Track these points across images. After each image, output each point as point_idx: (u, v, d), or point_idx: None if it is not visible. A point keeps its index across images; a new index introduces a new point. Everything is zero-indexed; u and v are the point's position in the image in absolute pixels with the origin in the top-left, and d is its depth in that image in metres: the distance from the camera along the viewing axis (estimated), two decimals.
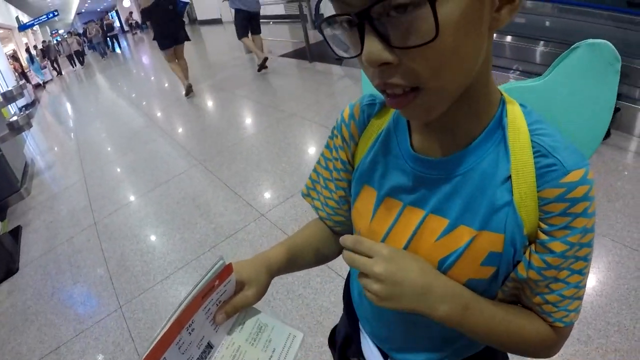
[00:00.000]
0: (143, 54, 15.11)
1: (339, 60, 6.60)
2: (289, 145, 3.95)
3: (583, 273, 0.58)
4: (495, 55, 5.41)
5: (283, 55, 7.97)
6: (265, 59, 6.77)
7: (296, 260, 0.77)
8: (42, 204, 3.97)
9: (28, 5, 22.74)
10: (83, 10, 34.49)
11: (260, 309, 0.70)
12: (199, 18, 18.83)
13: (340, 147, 0.75)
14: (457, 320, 0.58)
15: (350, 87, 5.65)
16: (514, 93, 0.72)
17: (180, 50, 6.47)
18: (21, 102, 9.06)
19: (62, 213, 3.66)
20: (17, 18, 20.45)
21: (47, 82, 15.70)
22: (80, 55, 17.28)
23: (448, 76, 0.47)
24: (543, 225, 0.56)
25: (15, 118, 4.30)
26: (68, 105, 9.38)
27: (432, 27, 0.41)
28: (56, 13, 22.15)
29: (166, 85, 7.40)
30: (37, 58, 16.60)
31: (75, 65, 17.44)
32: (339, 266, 2.21)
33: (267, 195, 3.12)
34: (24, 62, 16.86)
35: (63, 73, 17.06)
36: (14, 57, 16.83)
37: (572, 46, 0.74)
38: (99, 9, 36.29)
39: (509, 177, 0.56)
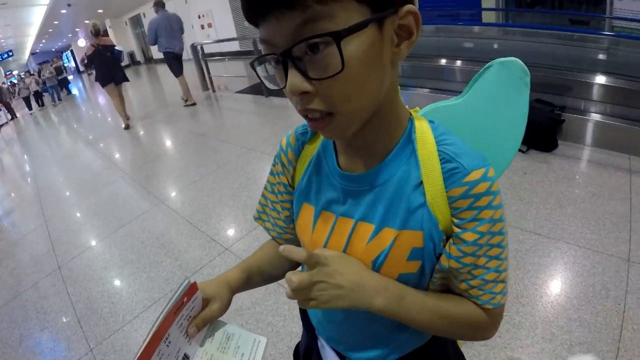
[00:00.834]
0: (99, 94, 14.91)
1: None
2: (248, 179, 4.01)
3: (500, 258, 0.67)
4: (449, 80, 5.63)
5: (239, 92, 8.06)
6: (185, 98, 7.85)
7: (252, 278, 0.85)
8: (3, 251, 3.88)
9: None
10: (38, 51, 33.81)
11: (226, 321, 0.78)
12: (155, 57, 18.75)
13: (281, 172, 0.83)
14: (394, 310, 0.66)
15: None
16: (439, 112, 0.86)
17: (120, 89, 7.41)
18: None
19: (24, 259, 3.58)
20: None
21: (1, 125, 15.22)
22: (39, 97, 16.55)
23: (356, 101, 0.56)
24: (455, 220, 0.65)
25: None
26: (25, 150, 9.19)
27: (339, 62, 0.50)
28: (11, 53, 21.67)
29: (123, 126, 7.36)
30: None
31: (32, 108, 16.62)
32: None
33: (230, 229, 3.16)
34: None
35: (18, 116, 16.20)
36: None
37: (486, 65, 0.85)
38: (53, 49, 35.63)
39: (421, 183, 0.65)
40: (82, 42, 28.98)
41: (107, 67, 7.14)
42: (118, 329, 2.40)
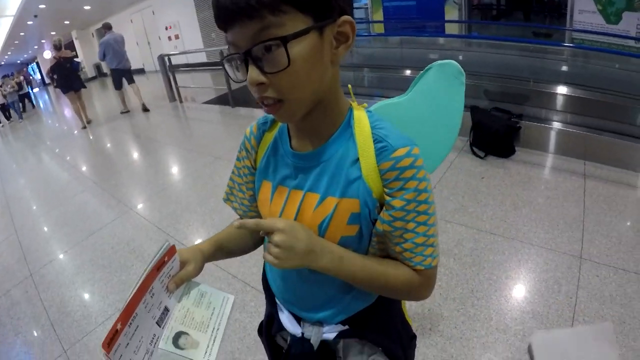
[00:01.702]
0: (64, 107, 14.67)
1: (259, 105, 6.83)
2: (216, 186, 4.09)
3: (427, 224, 0.79)
4: None
5: (207, 102, 8.12)
6: (143, 104, 8.59)
7: (221, 249, 0.97)
8: None
9: None
10: (3, 63, 32.98)
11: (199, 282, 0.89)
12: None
13: (246, 157, 0.97)
14: (336, 268, 0.79)
15: None
16: (386, 108, 1.01)
17: (79, 95, 8.50)
18: None
19: None
20: None
21: None
22: (5, 110, 16.09)
23: (300, 91, 0.71)
24: (386, 190, 0.78)
25: None
26: None
27: (286, 60, 0.65)
28: None
29: (91, 137, 7.35)
30: None
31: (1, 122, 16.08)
32: None
33: (198, 233, 3.25)
34: None
35: None
36: None
37: (427, 67, 1.01)
38: (19, 61, 34.79)
39: (358, 159, 0.79)
40: (47, 54, 28.42)
41: (67, 76, 8.17)
42: (91, 331, 2.46)
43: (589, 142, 3.97)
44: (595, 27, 6.03)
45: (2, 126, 14.76)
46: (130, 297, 0.69)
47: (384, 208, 0.79)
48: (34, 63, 33.72)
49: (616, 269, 2.38)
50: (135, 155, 5.87)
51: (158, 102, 9.01)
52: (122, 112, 9.00)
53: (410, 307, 2.18)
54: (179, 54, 9.77)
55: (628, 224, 2.84)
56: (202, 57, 13.13)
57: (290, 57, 0.65)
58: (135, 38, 16.30)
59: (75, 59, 8.55)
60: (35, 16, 15.82)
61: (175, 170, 4.88)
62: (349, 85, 0.97)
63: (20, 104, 15.81)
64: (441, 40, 7.46)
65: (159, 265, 0.77)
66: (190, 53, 10.83)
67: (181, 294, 0.84)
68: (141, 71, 16.89)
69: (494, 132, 3.95)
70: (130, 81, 8.69)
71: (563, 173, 3.62)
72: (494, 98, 4.61)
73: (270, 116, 0.90)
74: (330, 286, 0.89)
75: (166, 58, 8.43)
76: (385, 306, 0.96)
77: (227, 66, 0.75)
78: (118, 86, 8.79)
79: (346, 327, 0.94)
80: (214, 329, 0.81)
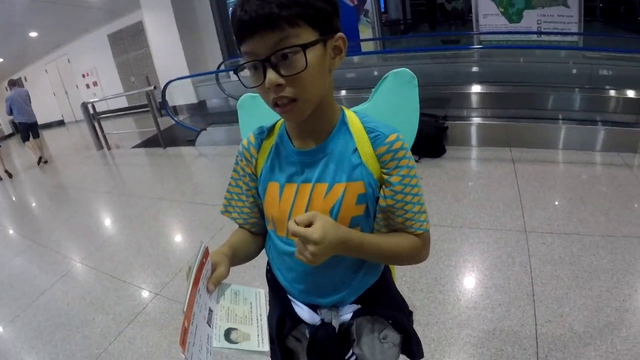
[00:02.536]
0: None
1: (190, 142, 6.86)
2: (164, 227, 4.09)
3: (419, 194, 0.95)
4: None
5: (136, 146, 7.99)
6: (40, 157, 8.83)
7: (236, 255, 1.03)
8: None
9: None
10: None
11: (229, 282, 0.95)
12: (40, 122, 17.66)
13: (246, 165, 1.07)
14: (359, 253, 0.93)
15: (206, 165, 5.96)
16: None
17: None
18: None
19: None
20: None
21: None
22: None
23: (311, 91, 0.84)
24: (383, 170, 0.94)
25: None
26: None
27: (304, 64, 0.78)
28: None
29: (14, 193, 7.06)
30: None
31: None
32: None
33: (156, 275, 3.21)
34: None
35: None
36: None
37: (384, 76, 1.18)
38: None
39: (356, 149, 0.94)
40: None
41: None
42: None
43: (511, 131, 4.36)
44: (500, 27, 6.53)
45: None
46: (188, 297, 0.75)
47: (384, 186, 0.95)
48: None
49: (559, 234, 2.73)
50: (73, 207, 5.65)
51: (85, 152, 8.75)
52: (39, 164, 8.84)
53: None
54: (103, 99, 9.56)
55: (560, 194, 3.25)
56: (122, 102, 12.90)
57: (308, 61, 0.79)
58: (51, 89, 15.70)
59: None
60: None
61: (118, 217, 4.78)
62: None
63: None
64: (355, 58, 7.76)
65: (200, 267, 0.83)
66: (112, 98, 10.62)
67: (216, 295, 0.90)
68: (61, 123, 16.25)
69: (424, 136, 4.22)
70: (36, 135, 8.75)
71: (493, 162, 3.95)
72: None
73: (265, 126, 1.06)
74: (342, 268, 1.02)
75: (89, 105, 8.23)
76: (387, 281, 1.12)
77: (240, 74, 0.88)
78: (26, 139, 8.81)
79: (359, 306, 1.06)
80: (257, 319, 0.88)
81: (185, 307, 0.74)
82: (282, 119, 1.01)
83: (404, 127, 1.15)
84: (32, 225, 5.36)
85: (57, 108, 16.10)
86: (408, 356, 1.20)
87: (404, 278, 2.54)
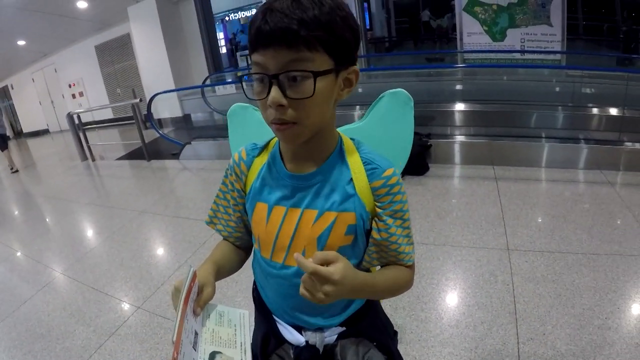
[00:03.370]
0: None
1: (174, 156, 6.83)
2: (146, 240, 4.03)
3: (409, 227, 0.96)
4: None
5: (120, 158, 7.92)
6: (11, 167, 9.00)
7: (221, 269, 1.02)
8: None
9: None
10: None
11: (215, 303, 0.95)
12: (25, 130, 17.48)
13: (235, 180, 1.04)
14: (360, 295, 0.95)
15: (190, 179, 5.91)
16: (347, 132, 1.10)
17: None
18: None
19: None
20: None
21: None
22: None
23: (312, 118, 0.81)
24: (377, 204, 0.92)
25: None
26: None
27: (311, 90, 0.75)
28: None
29: (10, 198, 6.95)
30: None
31: None
32: None
33: (138, 288, 3.16)
34: None
35: None
36: None
37: (380, 96, 1.16)
38: None
39: (351, 179, 0.92)
40: None
41: None
42: None
43: (494, 149, 4.39)
44: (484, 46, 6.61)
45: None
46: (177, 327, 0.75)
47: (378, 219, 0.94)
48: None
49: (542, 252, 2.74)
50: (56, 217, 5.57)
51: (69, 163, 8.64)
52: (12, 172, 8.91)
53: None
54: (88, 110, 9.49)
55: (543, 212, 3.26)
56: (108, 113, 12.83)
57: (316, 90, 0.76)
58: (38, 97, 15.52)
59: None
60: None
61: (101, 228, 4.70)
62: None
63: None
64: None
65: (188, 292, 0.83)
66: (97, 110, 10.56)
67: (202, 317, 0.90)
68: (45, 132, 16.08)
69: None
70: (4, 148, 8.86)
71: (476, 180, 3.97)
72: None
73: (259, 144, 1.04)
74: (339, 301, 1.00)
75: (75, 116, 8.15)
76: (372, 303, 1.11)
77: (244, 83, 0.86)
78: (3, 147, 8.86)
79: (344, 328, 1.05)
80: (241, 343, 0.88)
81: (175, 336, 0.73)
82: (277, 139, 0.99)
83: (398, 149, 1.17)
84: (14, 233, 5.27)
85: (42, 117, 15.90)
86: None
87: None
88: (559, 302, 2.32)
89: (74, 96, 14.12)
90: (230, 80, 10.77)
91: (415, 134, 4.23)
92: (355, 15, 0.85)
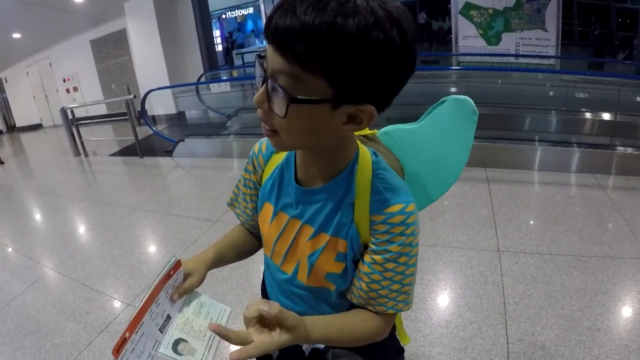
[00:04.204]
0: None
1: (168, 153, 6.81)
2: (138, 237, 4.02)
3: (405, 274, 0.83)
4: None
5: (113, 155, 7.88)
6: None
7: (224, 257, 1.02)
8: None
9: None
10: None
11: (201, 292, 0.95)
12: (18, 125, 17.34)
13: (253, 171, 1.02)
14: (312, 342, 0.79)
15: (183, 177, 5.87)
16: (399, 132, 1.06)
17: None
18: None
19: None
20: None
21: None
22: None
23: (290, 137, 0.72)
24: (372, 238, 0.84)
25: None
26: None
27: (283, 112, 0.65)
28: None
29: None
30: None
31: None
32: None
33: (128, 285, 3.15)
34: None
35: None
36: None
37: (441, 99, 1.05)
38: None
39: (353, 204, 0.84)
40: None
41: None
42: None
43: (486, 151, 4.39)
44: (479, 49, 6.63)
45: None
46: (139, 308, 0.76)
47: (367, 252, 0.85)
48: None
49: (532, 254, 2.76)
50: (47, 213, 5.53)
51: (62, 158, 8.57)
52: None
53: None
54: (82, 105, 9.43)
55: (534, 214, 3.28)
56: (102, 109, 12.76)
57: (288, 113, 0.65)
58: (32, 91, 15.40)
59: None
60: None
61: (92, 224, 4.68)
62: None
63: None
64: None
65: (166, 278, 0.84)
66: (91, 105, 10.51)
67: (183, 303, 0.91)
68: (38, 126, 15.95)
69: None
70: None
71: (468, 182, 3.98)
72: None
73: None
74: (325, 306, 0.97)
75: (69, 111, 8.10)
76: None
77: (257, 63, 0.71)
78: None
79: None
80: (210, 337, 0.86)
81: (132, 317, 0.75)
82: None
83: (451, 161, 1.07)
84: (4, 229, 5.23)
85: (35, 111, 15.78)
86: None
87: None
88: (549, 303, 2.34)
89: (68, 91, 14.03)
90: (225, 78, 10.74)
91: None
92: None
